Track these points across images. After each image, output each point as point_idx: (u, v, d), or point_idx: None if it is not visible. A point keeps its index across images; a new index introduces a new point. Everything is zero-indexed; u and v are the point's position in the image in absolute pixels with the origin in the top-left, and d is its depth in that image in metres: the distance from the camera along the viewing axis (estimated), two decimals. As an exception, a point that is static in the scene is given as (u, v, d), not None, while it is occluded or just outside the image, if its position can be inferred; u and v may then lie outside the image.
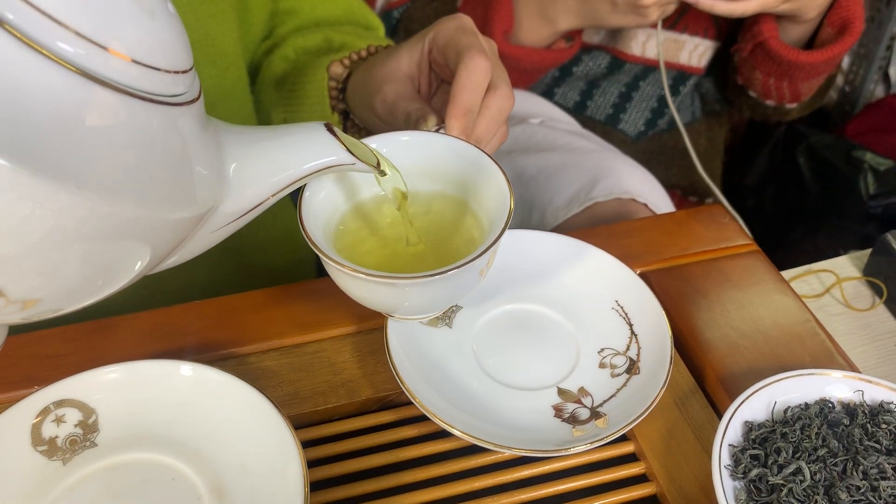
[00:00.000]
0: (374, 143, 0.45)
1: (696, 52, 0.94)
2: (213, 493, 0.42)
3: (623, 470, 0.46)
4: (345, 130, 0.62)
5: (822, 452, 0.41)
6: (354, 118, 0.60)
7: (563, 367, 0.49)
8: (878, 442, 0.42)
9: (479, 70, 0.46)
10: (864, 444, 0.42)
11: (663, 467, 0.45)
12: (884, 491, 0.40)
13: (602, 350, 0.50)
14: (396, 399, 0.49)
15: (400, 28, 0.92)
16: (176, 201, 0.33)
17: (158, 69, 0.30)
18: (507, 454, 0.45)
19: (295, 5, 0.70)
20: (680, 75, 0.96)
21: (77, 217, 0.28)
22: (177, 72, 0.32)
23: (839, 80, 1.38)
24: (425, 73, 0.52)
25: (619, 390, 0.47)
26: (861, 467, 0.40)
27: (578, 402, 0.47)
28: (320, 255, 0.40)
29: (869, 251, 0.66)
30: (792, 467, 0.41)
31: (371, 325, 0.52)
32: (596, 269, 0.52)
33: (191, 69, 0.34)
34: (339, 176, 0.45)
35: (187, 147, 0.33)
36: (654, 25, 0.86)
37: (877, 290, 0.63)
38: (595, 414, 0.46)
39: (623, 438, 0.47)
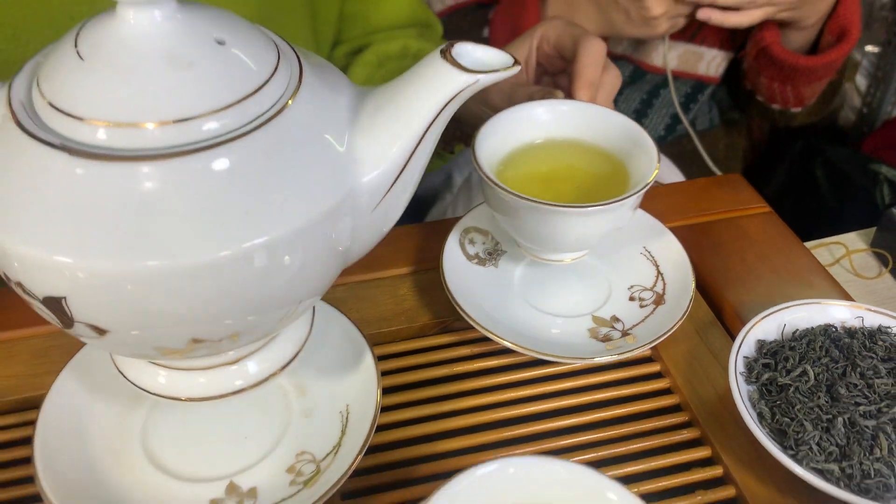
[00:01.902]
0: (542, 108, 0.54)
1: (713, 62, 1.01)
2: (296, 389, 0.49)
3: (650, 385, 0.52)
4: (445, 135, 0.69)
5: (825, 360, 0.48)
6: (460, 116, 0.68)
7: (597, 299, 0.55)
8: (874, 353, 0.48)
9: (597, 50, 0.56)
10: (861, 353, 0.48)
11: (686, 382, 0.51)
12: (878, 388, 0.46)
13: (632, 286, 0.56)
14: (451, 325, 0.56)
15: None
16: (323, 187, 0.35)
17: (242, 99, 0.33)
18: (549, 369, 0.52)
19: (361, 8, 0.78)
20: (698, 85, 1.03)
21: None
22: (257, 87, 0.34)
23: (857, 101, 1.44)
24: (532, 67, 0.61)
25: (646, 318, 0.54)
26: (858, 369, 0.47)
27: (611, 326, 0.53)
28: (495, 186, 0.47)
29: (875, 228, 0.72)
30: (798, 370, 0.47)
31: (426, 266, 0.59)
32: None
33: (275, 69, 0.35)
34: (509, 123, 0.51)
35: (307, 135, 0.35)
36: (670, 37, 0.94)
37: (883, 261, 0.69)
38: (625, 334, 0.52)
39: (649, 360, 0.54)
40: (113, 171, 0.31)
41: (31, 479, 0.43)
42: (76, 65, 0.33)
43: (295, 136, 0.34)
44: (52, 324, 0.36)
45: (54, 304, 0.34)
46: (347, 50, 0.79)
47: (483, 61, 0.36)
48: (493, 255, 0.58)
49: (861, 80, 2.00)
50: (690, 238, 0.60)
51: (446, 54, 0.35)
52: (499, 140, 0.52)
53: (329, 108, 0.36)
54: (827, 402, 0.46)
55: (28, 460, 0.43)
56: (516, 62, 0.36)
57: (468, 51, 0.36)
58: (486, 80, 0.35)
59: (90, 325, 0.34)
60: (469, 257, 0.58)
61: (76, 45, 0.34)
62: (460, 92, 0.35)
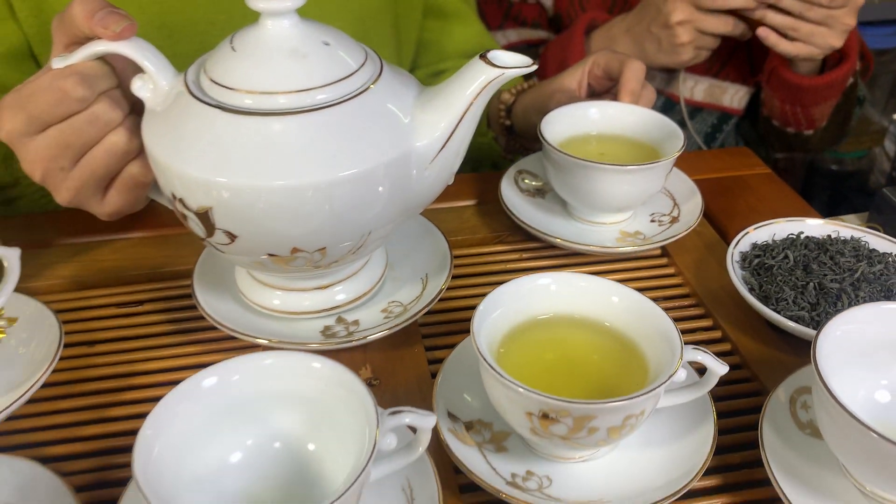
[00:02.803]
0: (595, 107, 0.71)
1: (735, 96, 1.15)
2: (390, 268, 0.63)
3: (665, 280, 0.65)
4: (508, 143, 0.86)
5: (802, 250, 0.60)
6: (516, 129, 0.84)
7: (624, 220, 0.69)
8: (842, 245, 0.60)
9: (638, 68, 0.72)
10: (831, 244, 0.60)
11: (693, 277, 0.64)
12: (843, 264, 0.58)
13: (653, 213, 0.70)
14: (504, 238, 0.69)
15: None
16: (392, 147, 0.49)
17: (339, 80, 0.49)
18: (583, 268, 0.65)
19: (436, 37, 0.96)
20: (723, 115, 1.17)
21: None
22: (350, 73, 0.50)
23: (886, 165, 1.55)
24: (584, 87, 0.76)
25: (663, 230, 0.67)
26: (828, 253, 0.59)
27: (634, 236, 0.67)
28: (553, 149, 0.63)
29: (868, 213, 0.84)
30: (781, 255, 0.60)
31: (484, 199, 0.74)
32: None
33: (364, 61, 0.51)
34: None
35: (383, 108, 0.50)
36: (698, 73, 1.08)
37: (875, 231, 0.82)
38: (646, 240, 0.66)
39: (665, 266, 0.67)
40: (252, 123, 0.47)
41: (194, 309, 0.58)
42: (231, 55, 0.50)
43: (373, 108, 0.50)
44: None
45: (203, 215, 0.49)
46: (425, 74, 0.95)
47: (508, 62, 0.51)
48: (540, 191, 0.73)
49: (890, 146, 2.13)
50: (704, 186, 0.73)
51: (483, 57, 0.50)
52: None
53: (399, 93, 0.52)
54: (802, 274, 0.58)
55: (187, 308, 0.58)
56: (533, 63, 0.51)
57: (498, 55, 0.51)
58: (510, 73, 0.50)
59: (226, 231, 0.49)
60: (521, 190, 0.72)
61: (231, 43, 0.51)
62: (490, 82, 0.50)
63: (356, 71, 0.51)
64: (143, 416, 0.47)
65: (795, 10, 0.88)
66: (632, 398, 0.42)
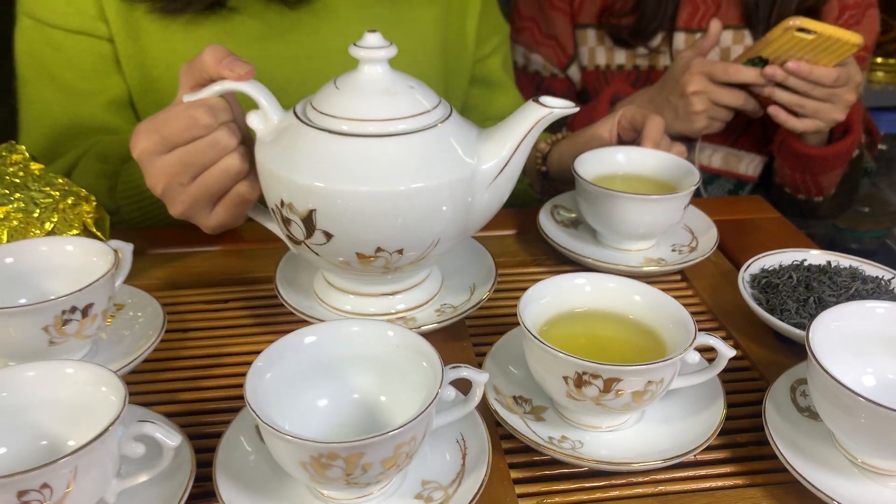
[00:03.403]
0: (621, 152, 0.82)
1: (751, 164, 1.25)
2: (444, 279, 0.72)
3: (684, 299, 0.73)
4: (542, 187, 0.97)
5: (805, 273, 0.69)
6: (550, 174, 0.95)
7: (648, 247, 0.78)
8: (841, 269, 0.69)
9: (659, 122, 0.84)
10: (830, 268, 0.69)
11: (709, 297, 0.73)
12: (840, 283, 0.67)
13: (674, 244, 0.79)
14: (542, 262, 0.79)
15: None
16: (458, 167, 0.60)
17: (418, 114, 0.60)
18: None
19: (480, 102, 1.09)
20: (739, 182, 1.27)
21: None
22: (427, 110, 0.61)
23: None
24: (615, 134, 0.88)
25: (683, 257, 0.76)
26: (828, 274, 0.68)
27: (657, 262, 0.76)
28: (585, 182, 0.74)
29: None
30: (786, 276, 0.69)
31: (522, 230, 0.83)
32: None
33: (438, 104, 0.62)
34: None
35: (452, 139, 0.61)
36: (716, 142, 1.18)
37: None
38: (667, 264, 0.75)
39: (685, 288, 0.75)
40: (349, 143, 0.59)
41: (278, 304, 0.68)
42: (335, 92, 0.62)
43: (444, 138, 0.61)
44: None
45: (307, 217, 0.59)
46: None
47: (555, 104, 0.62)
48: (573, 223, 0.82)
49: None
50: (720, 226, 0.82)
51: (535, 100, 0.62)
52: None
53: (464, 130, 0.64)
54: (804, 290, 0.67)
55: (265, 306, 0.68)
56: (575, 105, 0.62)
57: (547, 99, 0.62)
58: (557, 112, 0.61)
59: (324, 231, 0.59)
60: (556, 222, 0.82)
61: (335, 83, 0.62)
62: (541, 119, 0.61)
63: (431, 109, 0.62)
64: (230, 387, 0.56)
65: (801, 89, 0.97)
66: (654, 363, 0.50)
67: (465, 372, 0.50)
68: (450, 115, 0.63)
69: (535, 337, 0.52)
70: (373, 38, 0.61)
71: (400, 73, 0.63)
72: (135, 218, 0.84)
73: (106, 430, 0.44)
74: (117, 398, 0.47)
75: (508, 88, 1.13)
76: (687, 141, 1.20)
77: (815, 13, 1.16)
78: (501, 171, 0.62)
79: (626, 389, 0.51)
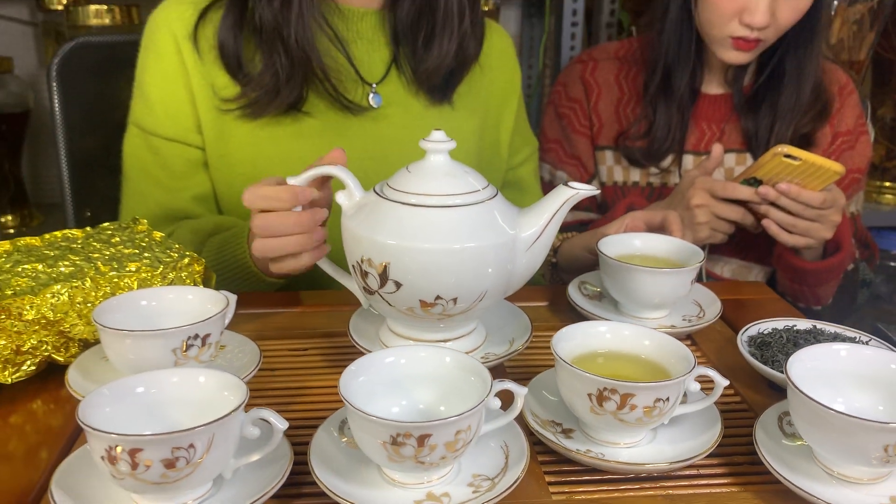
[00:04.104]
0: (638, 238, 0.98)
1: (759, 275, 1.37)
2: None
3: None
4: (552, 276, 1.12)
5: (794, 334, 0.82)
6: (560, 265, 1.10)
7: (662, 317, 0.91)
8: (823, 331, 0.82)
9: (676, 215, 1.01)
10: (815, 330, 0.82)
11: (714, 356, 0.86)
12: (824, 340, 0.79)
13: (684, 315, 0.92)
14: (570, 327, 0.92)
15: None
16: (503, 233, 0.76)
17: (471, 192, 0.76)
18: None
19: (508, 197, 1.25)
20: None
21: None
22: (477, 190, 0.77)
23: None
24: (622, 231, 1.03)
25: (692, 323, 0.89)
26: (813, 334, 0.81)
27: (669, 328, 0.89)
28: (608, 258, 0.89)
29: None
30: (777, 336, 0.81)
31: (551, 301, 0.97)
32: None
33: (487, 186, 0.77)
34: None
35: (497, 212, 0.78)
36: (727, 255, 1.32)
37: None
38: (679, 330, 0.88)
39: (694, 350, 0.88)
40: (417, 211, 0.74)
41: (349, 353, 0.82)
42: (406, 174, 0.78)
43: (491, 210, 0.77)
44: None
45: (382, 270, 0.74)
46: None
47: (581, 188, 0.77)
48: (598, 296, 0.96)
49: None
50: (726, 303, 0.95)
51: (565, 184, 0.78)
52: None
53: (507, 206, 0.79)
54: (792, 346, 0.79)
55: (338, 354, 0.82)
56: (596, 188, 0.78)
57: (574, 184, 0.78)
58: (582, 193, 0.77)
59: (395, 281, 0.74)
60: (583, 295, 0.96)
61: (407, 168, 0.78)
62: (569, 198, 0.77)
63: (481, 189, 0.77)
64: (313, 409, 0.69)
65: (792, 209, 1.10)
66: (661, 382, 0.63)
67: (509, 384, 0.63)
68: (496, 195, 0.78)
69: (564, 361, 0.65)
70: (438, 135, 0.78)
71: (457, 162, 0.79)
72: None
73: (236, 409, 0.57)
74: (237, 397, 0.61)
75: (536, 193, 1.29)
76: None
77: (809, 139, 1.31)
78: (537, 239, 0.77)
79: (638, 404, 0.64)
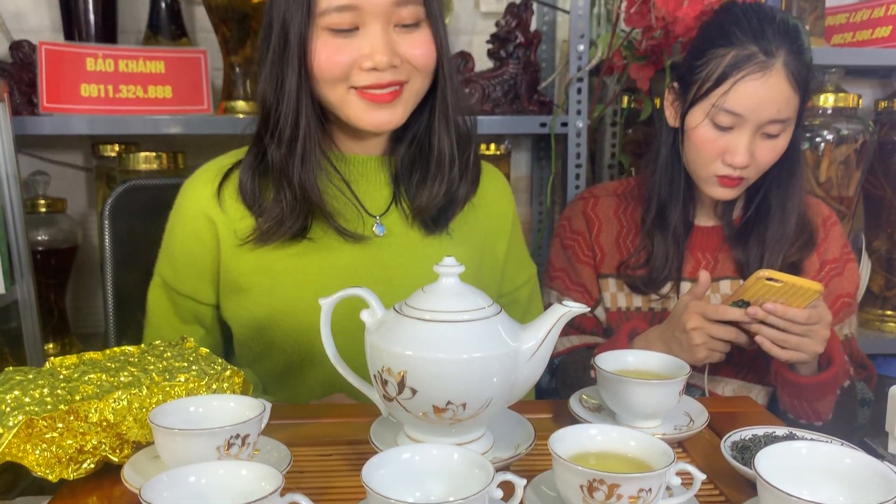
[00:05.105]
0: (631, 355, 1.07)
1: (760, 394, 1.41)
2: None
3: (682, 461, 0.94)
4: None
5: (772, 441, 0.90)
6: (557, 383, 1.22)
7: (656, 426, 1.00)
8: (803, 438, 0.90)
9: (695, 311, 1.13)
10: (795, 437, 0.90)
11: (702, 460, 0.94)
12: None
13: (676, 424, 1.01)
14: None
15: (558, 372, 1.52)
16: (506, 345, 0.90)
17: (478, 309, 0.99)
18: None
19: (507, 302, 1.38)
20: None
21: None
22: (483, 307, 0.92)
23: None
24: None
25: (682, 431, 0.98)
26: (789, 438, 0.89)
27: (663, 435, 0.98)
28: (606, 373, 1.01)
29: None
30: (757, 440, 0.90)
31: (555, 413, 1.06)
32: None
33: (492, 304, 0.92)
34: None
35: (500, 327, 0.90)
36: (728, 375, 1.41)
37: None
38: (671, 438, 0.97)
39: (685, 457, 0.96)
40: (431, 326, 0.86)
41: (363, 457, 0.91)
42: (422, 294, 0.90)
43: (495, 325, 0.89)
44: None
45: (401, 378, 0.85)
46: None
47: (573, 306, 0.90)
48: (597, 408, 1.06)
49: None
50: (715, 415, 1.04)
51: (560, 302, 0.90)
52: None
53: (510, 322, 0.91)
54: (769, 449, 0.88)
55: (359, 458, 0.92)
56: (589, 308, 0.91)
57: (568, 302, 0.90)
58: (575, 310, 0.89)
59: (411, 388, 0.86)
60: (584, 407, 1.05)
61: (423, 290, 0.91)
62: (564, 314, 0.89)
63: (487, 307, 0.89)
64: None
65: (781, 326, 1.19)
66: (643, 473, 0.72)
67: (509, 476, 0.73)
68: (499, 312, 0.90)
69: (560, 457, 0.75)
70: (449, 260, 0.90)
71: (466, 284, 0.91)
72: None
73: (273, 491, 0.67)
74: (273, 485, 0.70)
75: (537, 311, 1.40)
76: (699, 370, 1.39)
77: (798, 267, 1.42)
78: (536, 351, 0.88)
79: (624, 494, 0.72)
